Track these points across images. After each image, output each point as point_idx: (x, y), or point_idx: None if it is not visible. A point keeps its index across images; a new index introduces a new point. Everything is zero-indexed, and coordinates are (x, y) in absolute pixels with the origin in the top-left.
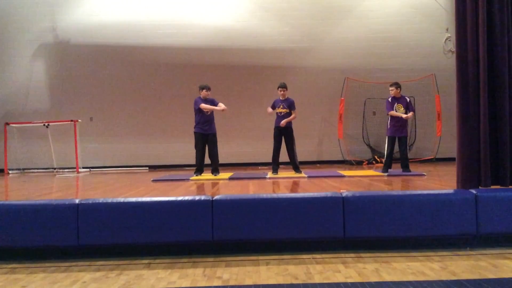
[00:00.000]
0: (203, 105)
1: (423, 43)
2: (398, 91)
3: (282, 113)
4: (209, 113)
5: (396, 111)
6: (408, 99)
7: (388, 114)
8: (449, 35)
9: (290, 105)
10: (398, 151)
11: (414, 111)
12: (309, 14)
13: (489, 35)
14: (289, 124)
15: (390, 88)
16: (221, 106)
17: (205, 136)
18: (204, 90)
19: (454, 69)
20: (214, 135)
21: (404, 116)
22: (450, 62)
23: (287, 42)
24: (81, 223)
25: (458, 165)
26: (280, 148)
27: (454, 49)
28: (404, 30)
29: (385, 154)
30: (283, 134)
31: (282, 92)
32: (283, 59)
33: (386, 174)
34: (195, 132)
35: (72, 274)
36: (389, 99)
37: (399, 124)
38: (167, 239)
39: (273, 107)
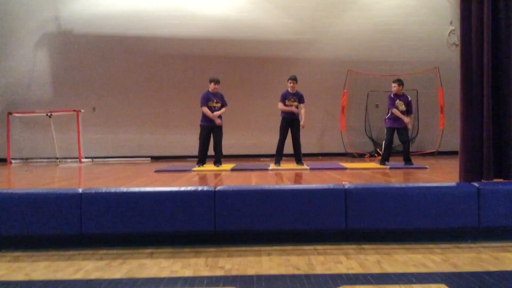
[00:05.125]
0: (205, 110)
1: (427, 35)
2: (401, 88)
3: (293, 106)
4: (216, 108)
5: (397, 108)
6: (409, 98)
7: (391, 111)
8: (453, 28)
9: (300, 98)
10: (399, 144)
11: (412, 112)
12: (312, 6)
13: (494, 28)
14: (296, 116)
15: (393, 85)
16: (217, 114)
17: (211, 128)
18: (212, 83)
19: (457, 62)
20: (220, 128)
21: (405, 119)
22: (454, 55)
23: (290, 34)
24: (84, 212)
25: (460, 158)
26: (285, 139)
27: (458, 42)
28: (408, 22)
29: (383, 146)
30: (291, 126)
31: (292, 84)
32: (286, 50)
33: (388, 167)
34: (201, 125)
35: (75, 263)
36: (391, 95)
37: (397, 117)
38: (170, 229)
39: (283, 100)
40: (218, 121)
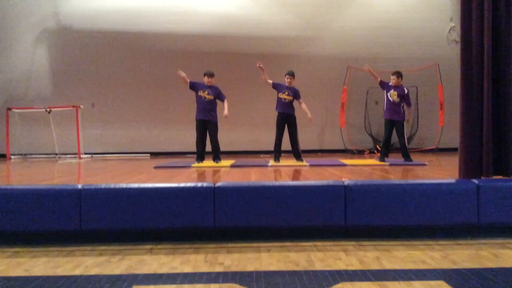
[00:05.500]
0: (179, 71)
1: (427, 32)
2: (399, 80)
3: (287, 100)
4: (206, 99)
5: (390, 97)
6: (405, 91)
7: (365, 67)
8: (453, 24)
9: (296, 94)
10: (397, 142)
11: (410, 104)
12: (312, 2)
13: (494, 24)
14: (292, 112)
15: (392, 77)
16: (225, 107)
17: (205, 123)
18: (205, 77)
19: (457, 59)
20: (214, 123)
21: (374, 76)
22: (454, 52)
23: (290, 30)
24: (84, 208)
25: (460, 155)
26: (282, 135)
27: (458, 39)
28: (408, 19)
29: (381, 141)
30: (287, 122)
31: (289, 80)
32: (286, 47)
33: (387, 163)
34: (195, 119)
35: (75, 259)
36: (389, 83)
37: (392, 107)
38: (169, 225)
39: (276, 87)
40: (181, 73)
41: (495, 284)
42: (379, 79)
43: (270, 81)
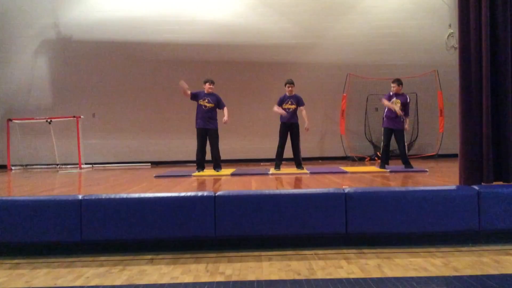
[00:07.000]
0: (182, 82)
1: (425, 39)
2: (400, 88)
3: (290, 109)
4: (206, 107)
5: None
6: (408, 99)
7: (380, 100)
8: (451, 31)
9: (299, 101)
10: (397, 148)
11: (408, 114)
12: (311, 10)
13: (492, 31)
14: (295, 120)
15: (392, 85)
16: (225, 113)
17: (205, 131)
18: (207, 84)
19: (456, 65)
20: (214, 131)
21: (398, 111)
22: (452, 58)
23: (289, 38)
24: (84, 219)
25: (460, 161)
26: (285, 144)
27: (456, 45)
28: (407, 26)
29: (381, 149)
30: (290, 130)
31: (290, 88)
32: (285, 55)
33: (388, 170)
34: (196, 128)
35: (75, 270)
36: (390, 93)
37: (393, 115)
38: (170, 234)
39: (280, 104)
40: (184, 85)
41: None
42: (397, 110)
43: (276, 107)
